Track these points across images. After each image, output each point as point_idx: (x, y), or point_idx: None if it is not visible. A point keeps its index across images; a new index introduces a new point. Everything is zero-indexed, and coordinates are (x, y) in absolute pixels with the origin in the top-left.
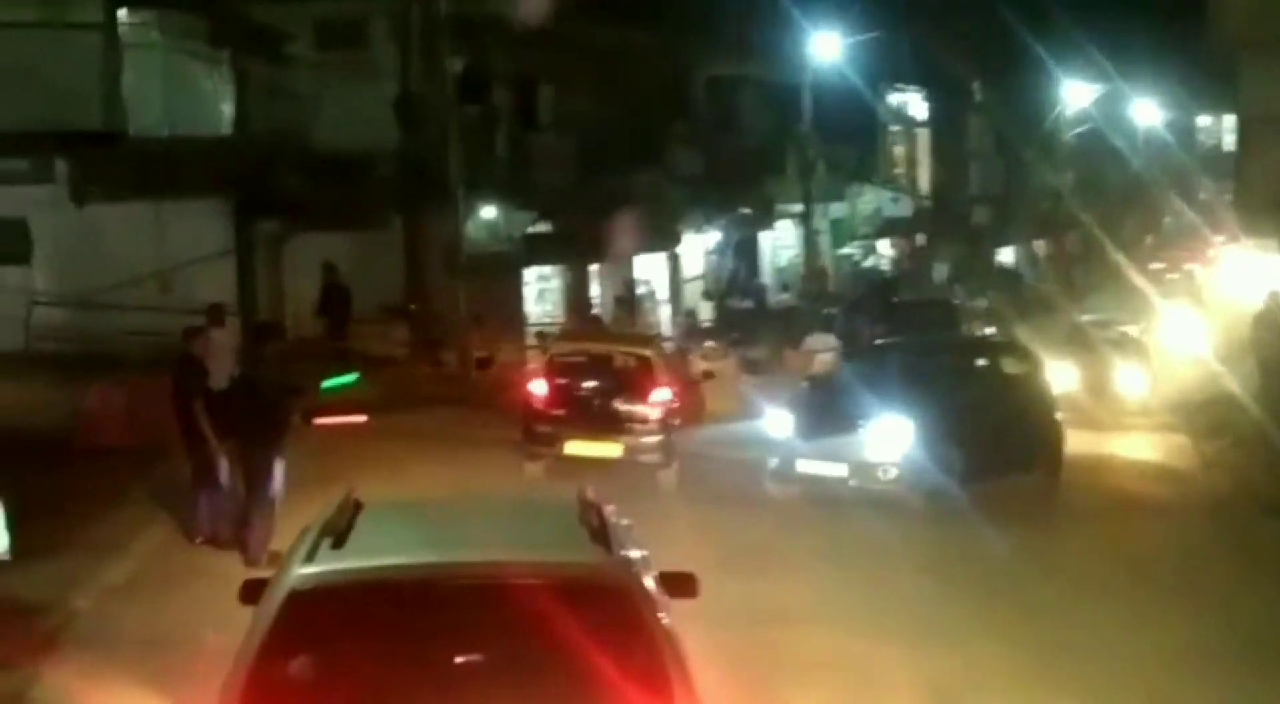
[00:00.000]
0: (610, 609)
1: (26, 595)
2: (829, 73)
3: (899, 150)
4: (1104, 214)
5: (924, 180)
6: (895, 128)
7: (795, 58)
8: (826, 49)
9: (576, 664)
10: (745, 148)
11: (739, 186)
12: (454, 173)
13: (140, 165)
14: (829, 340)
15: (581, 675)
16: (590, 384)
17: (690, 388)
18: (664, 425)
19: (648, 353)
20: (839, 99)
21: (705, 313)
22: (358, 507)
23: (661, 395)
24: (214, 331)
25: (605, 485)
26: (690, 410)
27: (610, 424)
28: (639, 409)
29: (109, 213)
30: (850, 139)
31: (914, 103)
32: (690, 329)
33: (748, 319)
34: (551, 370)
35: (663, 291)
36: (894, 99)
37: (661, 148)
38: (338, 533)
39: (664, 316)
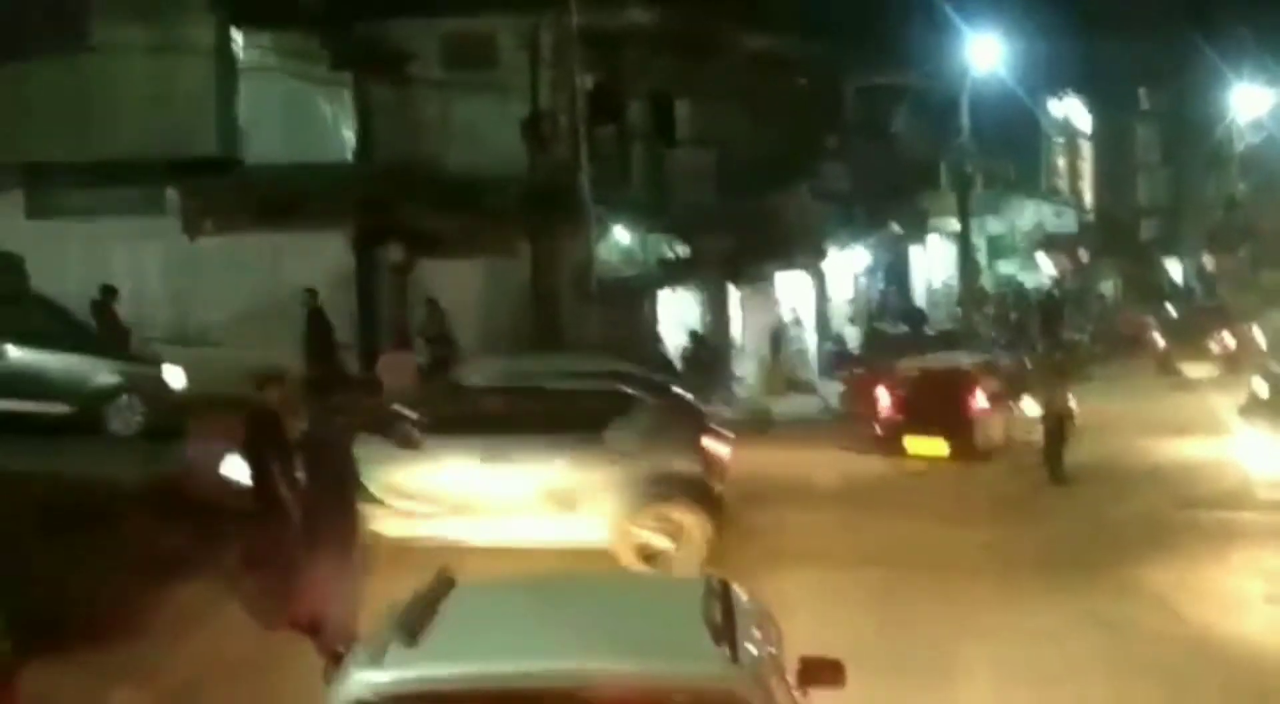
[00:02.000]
0: None
1: (56, 695)
2: (987, 81)
3: (1061, 162)
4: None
5: (1087, 193)
6: (1057, 138)
7: (952, 66)
8: (985, 56)
9: None
10: (897, 161)
11: (890, 202)
12: (585, 194)
13: (257, 195)
14: None
15: None
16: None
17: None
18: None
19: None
20: (997, 108)
21: (852, 339)
22: (448, 586)
23: (980, 403)
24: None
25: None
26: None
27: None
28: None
29: (223, 244)
30: (1009, 151)
31: (1077, 112)
32: (839, 356)
33: (902, 345)
34: (894, 384)
35: (808, 315)
36: (1056, 108)
37: (807, 163)
38: (413, 627)
39: (809, 342)
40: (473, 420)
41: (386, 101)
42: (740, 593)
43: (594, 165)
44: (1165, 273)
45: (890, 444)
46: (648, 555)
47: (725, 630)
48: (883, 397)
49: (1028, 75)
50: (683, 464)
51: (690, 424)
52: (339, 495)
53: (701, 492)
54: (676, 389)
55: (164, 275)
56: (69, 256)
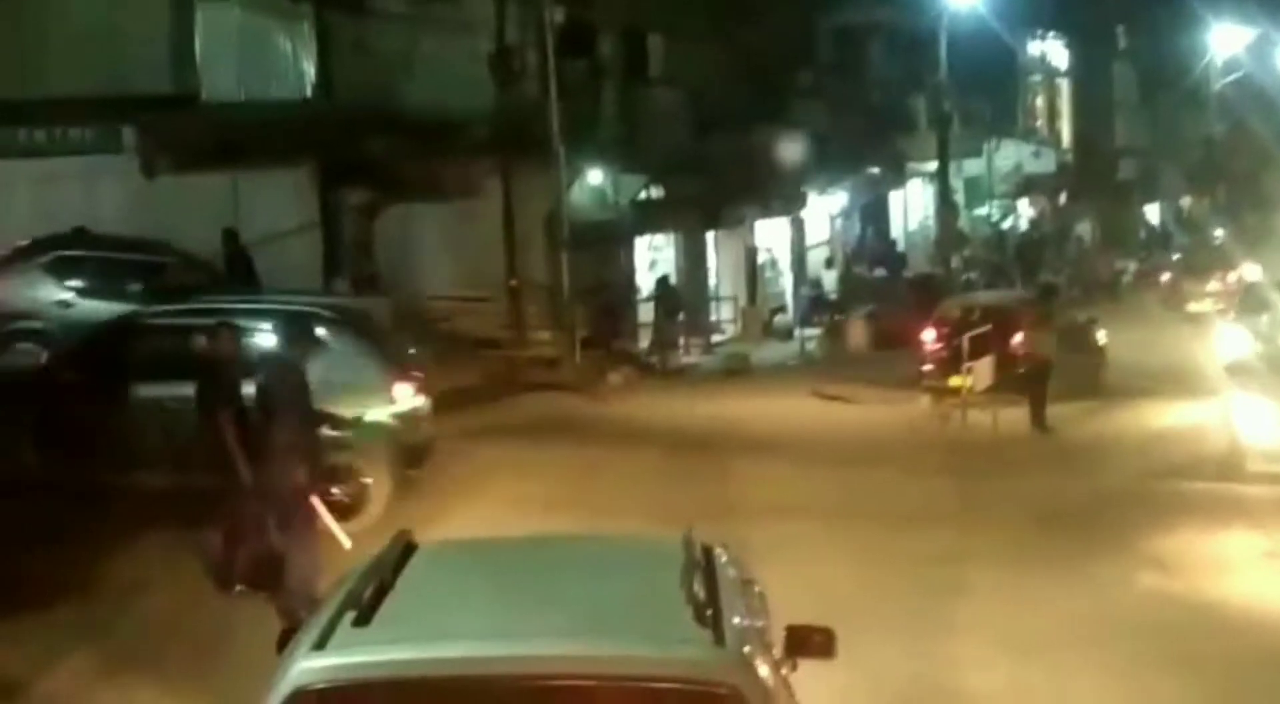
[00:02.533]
0: None
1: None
2: (964, 19)
3: (1039, 102)
4: (1256, 166)
5: (1065, 133)
6: (1035, 77)
7: (927, 3)
8: None
9: None
10: (874, 101)
11: (867, 144)
12: (556, 134)
13: (215, 132)
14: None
15: None
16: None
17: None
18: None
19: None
20: (975, 47)
21: (830, 282)
22: (408, 551)
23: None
24: None
25: None
26: None
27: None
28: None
29: (181, 184)
30: (987, 90)
31: (1055, 51)
32: (815, 301)
33: (880, 289)
34: (940, 322)
35: (785, 259)
36: (1034, 47)
37: (783, 103)
38: (365, 602)
39: (786, 287)
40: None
41: (348, 36)
42: (722, 557)
43: (564, 103)
44: (1142, 215)
45: (939, 380)
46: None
47: (709, 607)
48: (929, 335)
49: (1005, 13)
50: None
51: (377, 371)
52: (294, 443)
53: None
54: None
55: (120, 216)
56: (19, 197)
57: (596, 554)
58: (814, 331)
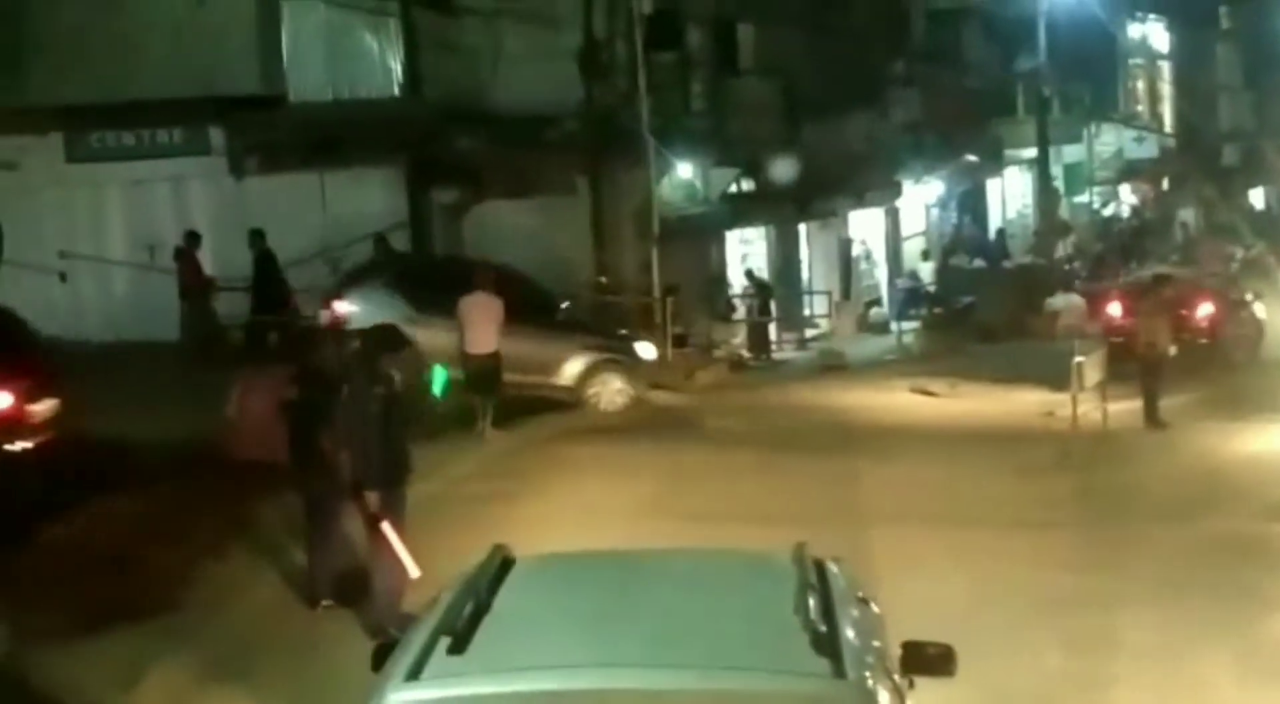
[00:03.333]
0: None
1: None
2: (1059, 2)
3: (1140, 85)
4: None
5: (1167, 118)
6: (1136, 61)
7: None
8: None
9: None
10: (971, 87)
11: (964, 131)
12: (645, 128)
13: (303, 132)
14: (1073, 300)
15: None
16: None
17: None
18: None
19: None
20: (1073, 30)
21: (926, 274)
22: (505, 567)
23: (1206, 309)
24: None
25: None
26: None
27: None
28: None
29: (270, 185)
30: (1086, 75)
31: (1156, 33)
32: (911, 294)
33: (980, 280)
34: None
35: (879, 251)
36: (1134, 29)
37: (877, 91)
38: (461, 626)
39: (881, 279)
40: None
41: (435, 32)
42: (836, 573)
43: (653, 97)
44: (1247, 201)
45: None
46: None
47: (827, 632)
48: (1114, 308)
49: None
50: None
51: None
52: (380, 449)
53: None
54: None
55: (209, 217)
56: (110, 200)
57: (703, 571)
58: (911, 325)
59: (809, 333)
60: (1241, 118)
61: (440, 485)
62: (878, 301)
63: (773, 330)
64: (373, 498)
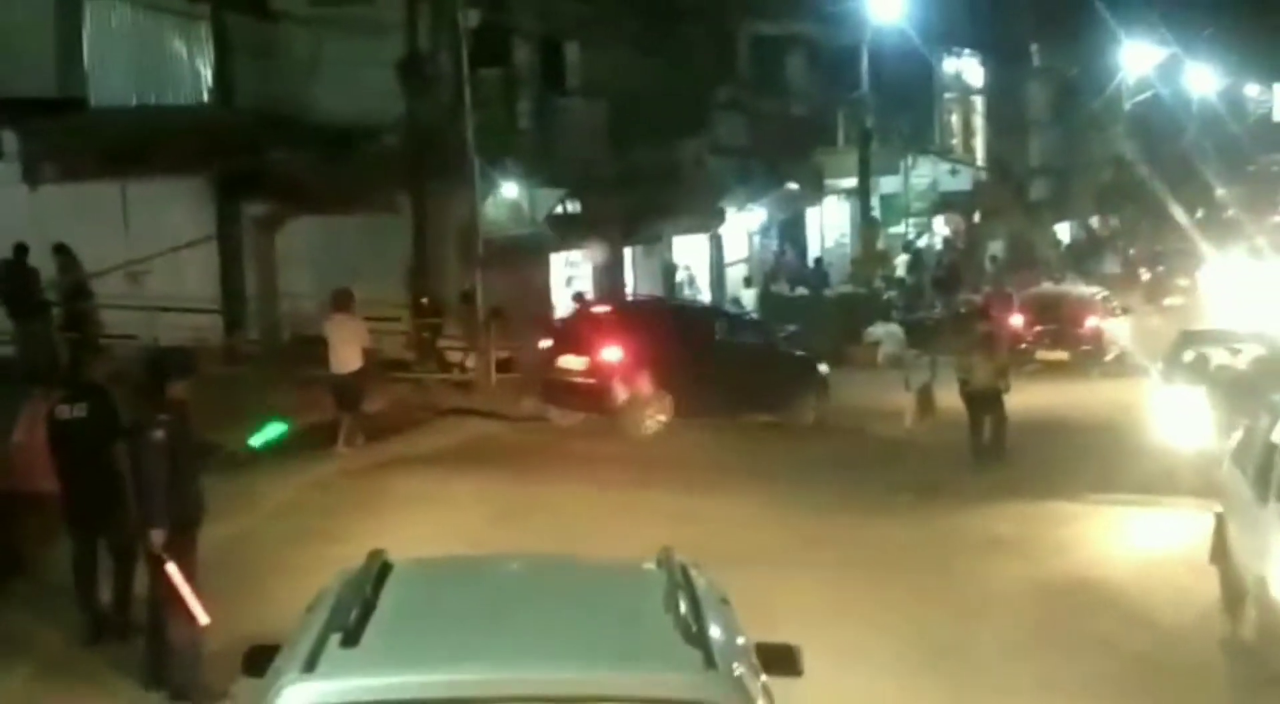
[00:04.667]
0: None
1: None
2: (882, 36)
3: (955, 119)
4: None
5: (980, 151)
6: (951, 95)
7: (847, 16)
8: (880, 7)
9: None
10: (794, 116)
11: (787, 159)
12: (469, 145)
13: (104, 139)
14: (892, 329)
15: None
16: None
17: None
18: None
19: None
20: (891, 63)
21: (749, 301)
22: (384, 570)
23: (1092, 322)
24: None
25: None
26: None
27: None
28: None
29: (67, 194)
30: (904, 107)
31: (970, 68)
32: None
33: (800, 308)
34: (1021, 308)
35: (703, 277)
36: (950, 64)
37: (703, 115)
38: (350, 622)
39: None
40: None
41: (249, 38)
42: (698, 575)
43: (478, 113)
44: (1053, 234)
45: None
46: None
47: (696, 627)
48: (1016, 318)
49: (921, 29)
50: None
51: None
52: (165, 484)
53: None
54: None
55: (2, 227)
56: None
57: (575, 574)
58: None
59: None
60: (1050, 153)
61: (252, 521)
62: None
63: None
64: (157, 536)
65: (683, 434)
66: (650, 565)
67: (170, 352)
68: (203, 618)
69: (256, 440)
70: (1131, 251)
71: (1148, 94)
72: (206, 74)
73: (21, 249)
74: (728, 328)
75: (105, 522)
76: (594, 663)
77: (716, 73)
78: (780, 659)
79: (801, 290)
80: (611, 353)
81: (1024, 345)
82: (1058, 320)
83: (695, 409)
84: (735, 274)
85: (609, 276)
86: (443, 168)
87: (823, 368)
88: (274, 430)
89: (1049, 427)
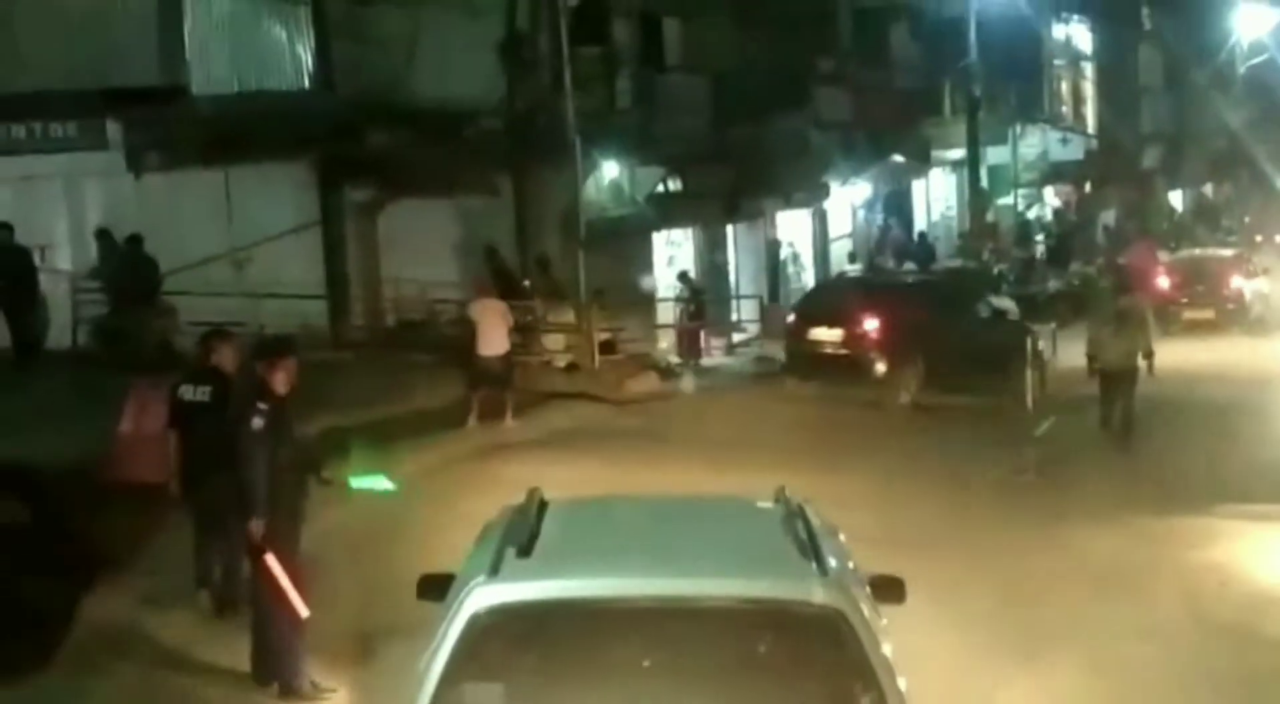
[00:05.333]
0: (823, 640)
1: None
2: (986, 1)
3: (1064, 87)
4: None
5: (1090, 119)
6: (1059, 62)
7: None
8: None
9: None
10: (899, 87)
11: (892, 131)
12: (570, 125)
13: (206, 127)
14: (1006, 304)
15: None
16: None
17: None
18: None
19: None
20: (998, 31)
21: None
22: (542, 506)
23: (1236, 282)
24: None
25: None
26: None
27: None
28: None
29: (171, 183)
30: (1011, 75)
31: (1079, 34)
32: None
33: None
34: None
35: (806, 254)
36: (1059, 30)
37: (805, 89)
38: (522, 540)
39: (808, 282)
40: None
41: (347, 23)
42: (811, 512)
43: (578, 93)
44: (1167, 203)
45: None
46: None
47: (811, 546)
48: (1164, 280)
49: None
50: None
51: None
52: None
53: None
54: None
55: (107, 216)
56: (2, 196)
57: (706, 508)
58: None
59: (736, 337)
60: (1162, 120)
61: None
62: None
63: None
64: (256, 527)
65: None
66: (768, 501)
67: (269, 339)
68: (303, 611)
69: (359, 483)
70: (1246, 219)
71: (1263, 57)
72: (307, 59)
73: (136, 240)
74: (972, 297)
75: (223, 506)
76: (722, 573)
77: (819, 45)
78: (887, 587)
79: (909, 265)
80: (869, 324)
81: (1172, 307)
82: (1203, 281)
83: (944, 382)
84: (839, 250)
85: (710, 255)
86: (543, 149)
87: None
88: (379, 484)
89: (1200, 379)
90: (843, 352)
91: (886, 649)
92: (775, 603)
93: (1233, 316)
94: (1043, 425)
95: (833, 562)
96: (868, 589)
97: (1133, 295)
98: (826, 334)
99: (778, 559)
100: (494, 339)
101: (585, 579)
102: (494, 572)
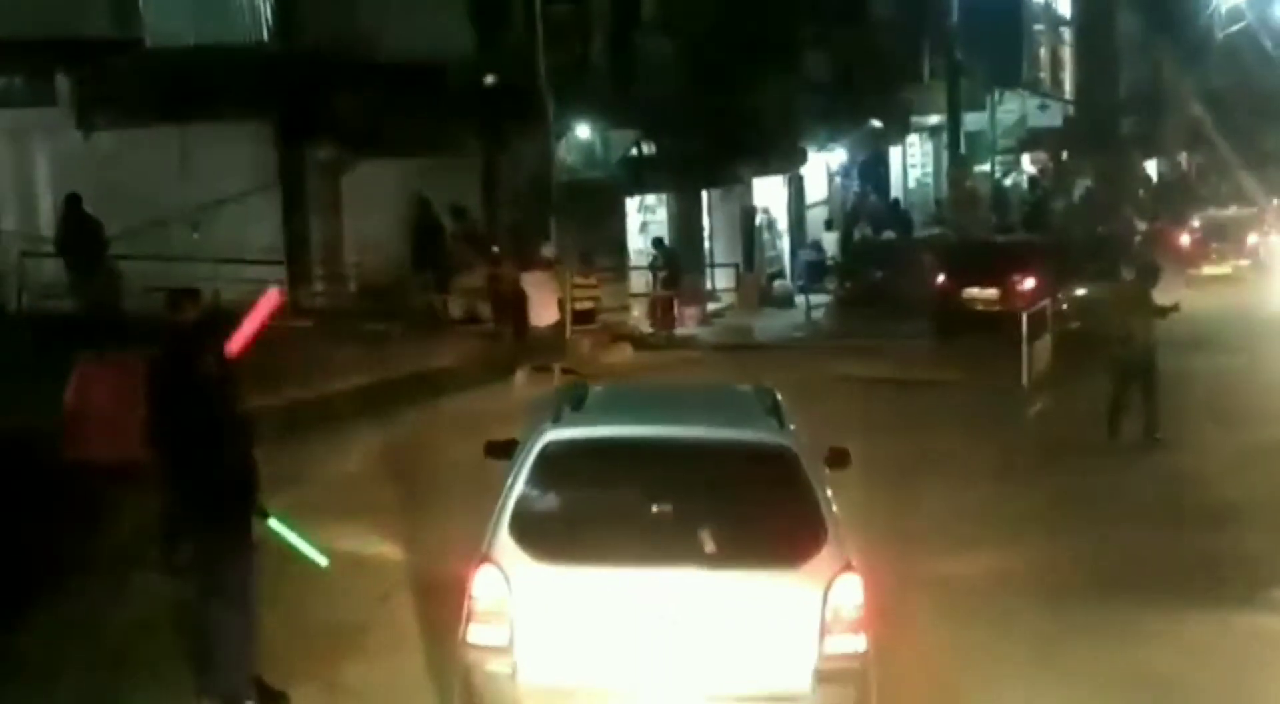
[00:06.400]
0: (777, 466)
1: None
2: None
3: (1043, 52)
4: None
5: (1069, 86)
6: (1039, 26)
7: None
8: None
9: (754, 508)
10: (877, 48)
11: (870, 95)
12: (542, 85)
13: (160, 81)
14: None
15: (756, 516)
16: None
17: None
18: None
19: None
20: None
21: (830, 245)
22: (584, 386)
23: (1252, 239)
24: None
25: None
26: None
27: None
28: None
29: (123, 139)
30: (990, 39)
31: None
32: (814, 266)
33: (888, 253)
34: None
35: (782, 221)
36: None
37: (783, 51)
38: (576, 401)
39: (784, 250)
40: None
41: None
42: (778, 394)
43: (551, 51)
44: (1142, 171)
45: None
46: None
47: (776, 412)
48: (1184, 238)
49: None
50: None
51: None
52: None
53: None
54: None
55: (55, 175)
56: None
57: (707, 389)
58: (817, 299)
59: (710, 307)
60: (1139, 87)
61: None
62: (780, 273)
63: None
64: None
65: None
66: (748, 386)
67: (218, 311)
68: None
69: (278, 525)
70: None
71: (1240, 24)
72: (266, 11)
73: (74, 199)
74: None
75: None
76: (716, 425)
77: (798, 5)
78: (838, 456)
79: (889, 234)
80: (1026, 282)
81: (1191, 266)
82: (1221, 239)
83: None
84: (815, 217)
85: (685, 221)
86: (514, 108)
87: None
88: (301, 545)
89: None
90: (997, 309)
91: (818, 475)
92: (749, 443)
93: (1248, 271)
94: None
95: (789, 424)
96: (817, 448)
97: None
98: (980, 293)
99: (753, 418)
100: (546, 309)
101: (622, 426)
102: (557, 420)
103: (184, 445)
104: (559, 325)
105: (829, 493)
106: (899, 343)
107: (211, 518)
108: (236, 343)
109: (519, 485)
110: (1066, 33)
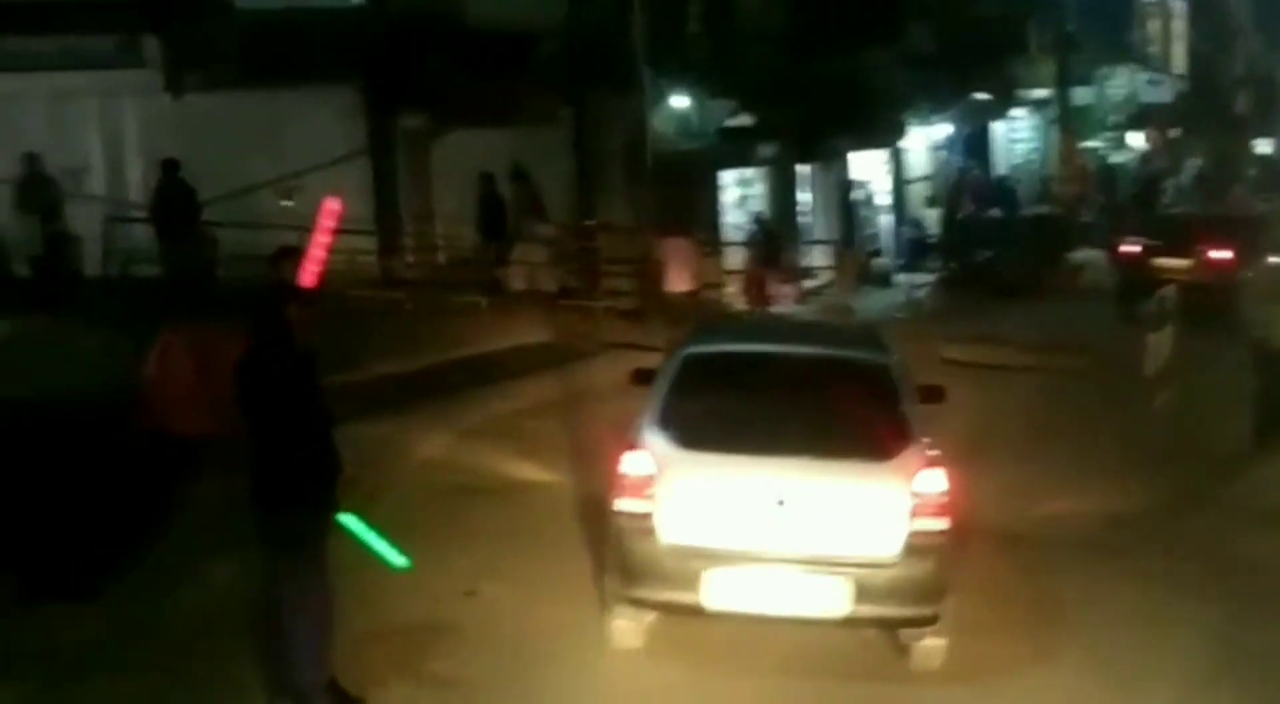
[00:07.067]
0: (878, 384)
1: None
2: None
3: (1153, 25)
4: None
5: (1181, 61)
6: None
7: None
8: None
9: (854, 412)
10: (983, 19)
11: (975, 67)
12: (636, 52)
13: (250, 44)
14: (1096, 255)
15: (856, 419)
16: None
17: None
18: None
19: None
20: None
21: (931, 222)
22: (711, 320)
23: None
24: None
25: None
26: None
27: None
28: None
29: (212, 103)
30: (1099, 12)
31: None
32: (916, 244)
33: (993, 231)
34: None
35: (882, 196)
36: None
37: (886, 20)
38: (711, 328)
39: (883, 226)
40: None
41: None
42: (883, 331)
43: (646, 18)
44: (1252, 151)
45: None
46: None
47: (877, 340)
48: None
49: None
50: None
51: None
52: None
53: None
54: None
55: (144, 138)
56: (30, 116)
57: (819, 322)
58: (918, 277)
59: (807, 284)
60: (1254, 62)
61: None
62: (879, 251)
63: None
64: None
65: None
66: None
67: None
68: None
69: (355, 525)
70: None
71: None
72: None
73: (171, 164)
74: None
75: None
76: (829, 345)
77: None
78: (933, 392)
79: (995, 211)
80: (1223, 253)
81: None
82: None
83: None
84: (916, 193)
85: (781, 196)
86: (607, 77)
87: None
88: (379, 545)
89: None
90: (1193, 280)
91: (909, 392)
92: (854, 360)
93: None
94: None
95: (890, 348)
96: (913, 378)
97: None
98: (1174, 263)
99: (859, 343)
100: (679, 278)
101: (748, 344)
102: (694, 342)
103: (275, 424)
104: (695, 293)
105: (915, 402)
106: (1008, 326)
107: (298, 501)
108: (309, 272)
109: (664, 389)
110: (1179, 5)
